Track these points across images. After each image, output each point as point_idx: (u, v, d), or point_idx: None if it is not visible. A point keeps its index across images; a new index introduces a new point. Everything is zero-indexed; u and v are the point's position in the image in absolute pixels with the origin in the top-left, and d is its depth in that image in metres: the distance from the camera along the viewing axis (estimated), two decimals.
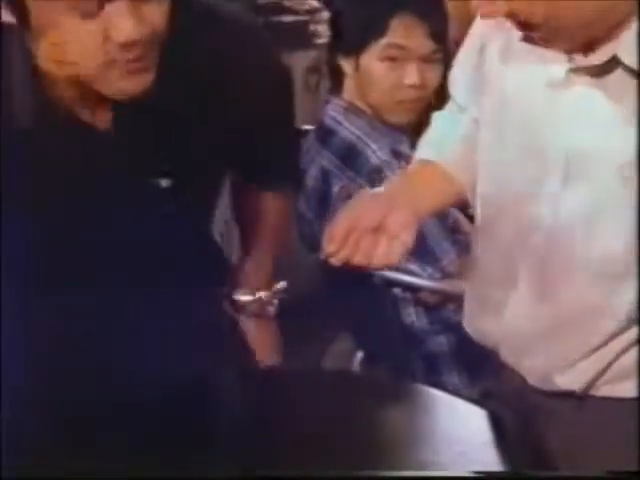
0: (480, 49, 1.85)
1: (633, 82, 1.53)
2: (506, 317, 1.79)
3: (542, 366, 1.77)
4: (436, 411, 1.98)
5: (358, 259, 1.74)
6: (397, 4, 2.71)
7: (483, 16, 1.55)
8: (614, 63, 1.54)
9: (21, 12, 1.64)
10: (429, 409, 2.01)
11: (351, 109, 2.76)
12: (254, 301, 1.96)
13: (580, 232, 1.65)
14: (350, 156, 2.66)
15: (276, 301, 2.06)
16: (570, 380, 1.74)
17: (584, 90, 1.61)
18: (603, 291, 1.68)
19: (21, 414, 1.80)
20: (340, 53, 2.75)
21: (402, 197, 1.83)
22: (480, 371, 2.04)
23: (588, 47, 1.57)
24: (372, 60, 2.68)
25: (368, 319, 2.70)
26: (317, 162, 2.75)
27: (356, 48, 2.69)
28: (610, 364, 1.71)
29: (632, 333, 1.67)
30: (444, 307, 2.65)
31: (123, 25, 1.58)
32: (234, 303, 2.04)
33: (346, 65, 2.73)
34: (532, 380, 1.79)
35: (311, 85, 3.02)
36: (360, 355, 2.70)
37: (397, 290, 2.63)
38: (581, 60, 1.59)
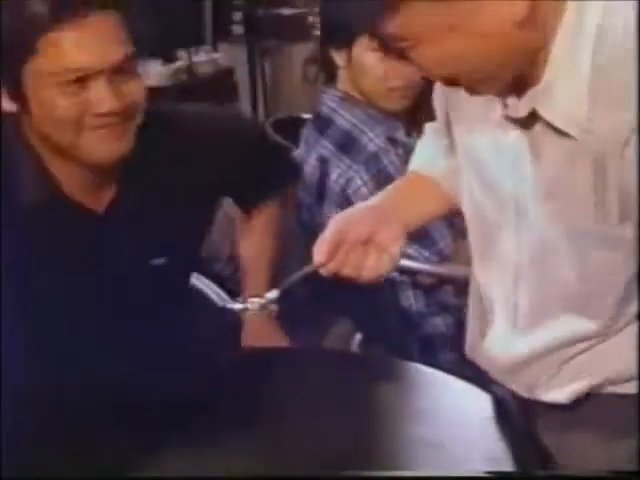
0: None
1: (554, 138, 1.52)
2: (485, 345, 1.80)
3: (524, 387, 1.77)
4: (432, 389, 2.02)
5: (347, 271, 1.77)
6: None
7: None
8: (536, 117, 1.53)
9: (20, 97, 1.84)
10: (426, 387, 2.05)
11: (347, 99, 2.77)
12: (244, 309, 1.98)
13: (538, 267, 1.67)
14: (347, 144, 2.69)
15: (272, 306, 2.07)
16: (554, 396, 1.74)
17: (516, 138, 1.60)
18: (569, 320, 1.69)
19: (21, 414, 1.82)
20: (332, 46, 2.76)
21: (390, 211, 1.85)
22: None
23: (519, 90, 1.55)
24: (363, 51, 2.69)
25: (367, 303, 2.69)
26: (315, 150, 2.77)
27: (346, 42, 2.69)
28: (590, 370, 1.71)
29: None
30: (441, 290, 2.67)
31: (102, 99, 1.80)
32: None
33: (338, 58, 2.74)
34: (521, 393, 1.79)
35: (310, 76, 3.03)
36: (359, 337, 2.73)
37: (395, 274, 2.61)
38: (511, 110, 1.58)
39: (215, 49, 4.81)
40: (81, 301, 2.06)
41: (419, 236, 2.57)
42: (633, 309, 1.62)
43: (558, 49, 1.49)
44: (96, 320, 2.08)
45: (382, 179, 2.58)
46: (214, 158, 2.15)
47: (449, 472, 1.70)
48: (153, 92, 4.42)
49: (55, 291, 2.02)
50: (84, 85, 1.80)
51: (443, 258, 2.66)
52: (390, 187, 1.96)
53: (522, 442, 1.81)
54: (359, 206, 1.90)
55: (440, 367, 2.05)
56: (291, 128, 3.16)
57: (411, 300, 2.71)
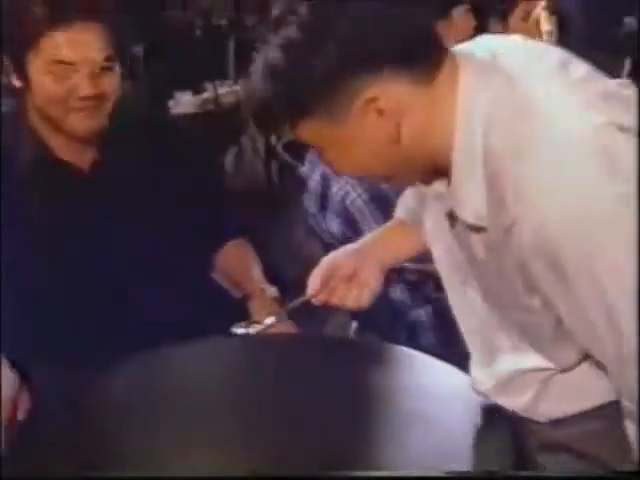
0: None
1: (473, 235, 1.53)
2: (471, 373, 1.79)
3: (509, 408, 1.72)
4: (416, 368, 2.00)
5: (334, 301, 1.86)
6: None
7: None
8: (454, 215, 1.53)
9: (24, 77, 2.03)
10: (410, 367, 2.03)
11: None
12: (246, 333, 1.98)
13: (485, 322, 1.68)
14: None
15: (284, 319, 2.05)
16: (539, 414, 1.70)
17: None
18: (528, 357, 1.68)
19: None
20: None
21: (371, 253, 1.91)
22: (453, 337, 2.07)
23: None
24: None
25: None
26: (318, 168, 2.75)
27: None
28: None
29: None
30: (423, 284, 2.68)
31: (83, 86, 1.99)
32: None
33: None
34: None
35: None
36: (355, 325, 2.75)
37: None
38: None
39: (236, 83, 4.79)
40: (71, 244, 2.11)
41: None
42: (573, 352, 1.60)
43: (456, 154, 1.48)
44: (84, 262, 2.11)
45: (375, 192, 2.61)
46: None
47: (434, 444, 1.69)
48: (185, 118, 4.46)
49: (51, 233, 2.09)
50: (70, 75, 1.99)
51: (426, 256, 2.65)
52: (374, 231, 2.00)
53: (499, 419, 1.75)
54: (346, 248, 1.93)
55: (423, 350, 2.04)
56: (298, 149, 3.19)
57: (397, 293, 2.72)
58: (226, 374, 2.02)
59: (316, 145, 1.52)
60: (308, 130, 1.48)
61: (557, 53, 1.54)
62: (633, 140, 1.40)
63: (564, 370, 1.63)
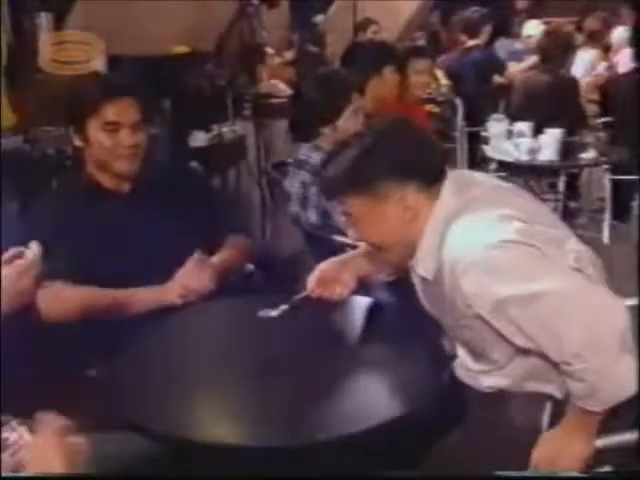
0: None
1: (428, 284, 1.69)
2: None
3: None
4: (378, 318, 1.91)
5: (325, 295, 1.91)
6: None
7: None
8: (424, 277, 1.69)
9: (84, 137, 2.12)
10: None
11: (316, 147, 2.70)
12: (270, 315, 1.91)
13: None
14: (319, 172, 2.62)
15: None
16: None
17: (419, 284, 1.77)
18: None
19: None
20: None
21: (350, 265, 1.95)
22: None
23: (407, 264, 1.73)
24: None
25: None
26: (297, 178, 2.70)
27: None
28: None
29: None
30: None
31: (129, 138, 2.11)
32: None
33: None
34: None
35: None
36: None
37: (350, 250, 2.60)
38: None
39: (234, 124, 4.76)
40: (113, 242, 2.11)
41: None
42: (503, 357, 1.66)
43: (425, 239, 1.65)
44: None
45: None
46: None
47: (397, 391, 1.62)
48: (198, 150, 4.40)
49: (100, 235, 2.11)
50: (117, 131, 2.10)
51: None
52: (353, 252, 2.03)
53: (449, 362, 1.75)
54: (332, 260, 1.98)
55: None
56: (281, 167, 3.14)
57: None
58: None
59: (353, 215, 1.68)
60: (357, 204, 1.65)
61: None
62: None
63: (500, 368, 1.68)
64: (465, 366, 1.76)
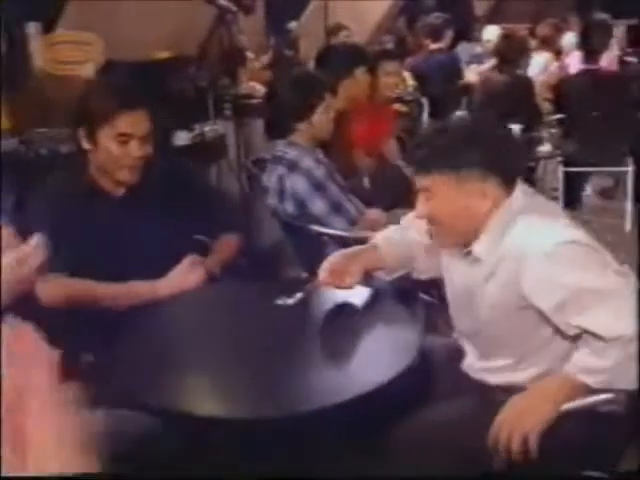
0: None
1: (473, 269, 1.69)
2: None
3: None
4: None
5: (335, 284, 1.90)
6: None
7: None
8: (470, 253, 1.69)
9: (94, 142, 2.04)
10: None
11: (292, 144, 2.70)
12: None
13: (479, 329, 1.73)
14: (294, 166, 2.63)
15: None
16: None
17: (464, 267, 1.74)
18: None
19: None
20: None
21: (358, 258, 1.94)
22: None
23: (462, 245, 1.71)
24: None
25: (310, 254, 2.61)
26: (274, 173, 2.70)
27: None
28: None
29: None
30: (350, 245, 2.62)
31: (135, 150, 2.03)
32: None
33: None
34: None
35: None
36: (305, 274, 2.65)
37: (325, 238, 2.62)
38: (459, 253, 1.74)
39: (215, 123, 4.74)
40: (110, 239, 2.06)
41: (340, 210, 2.63)
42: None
43: (490, 226, 1.65)
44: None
45: (313, 181, 2.61)
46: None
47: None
48: (181, 148, 4.37)
49: (99, 232, 2.06)
50: (127, 142, 2.02)
51: (353, 224, 2.65)
52: (362, 247, 2.04)
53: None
54: (342, 251, 1.98)
55: None
56: (261, 163, 3.14)
57: (331, 250, 2.65)
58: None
59: (432, 191, 1.66)
60: (440, 182, 1.64)
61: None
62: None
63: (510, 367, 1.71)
64: (471, 364, 1.80)
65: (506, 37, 5.27)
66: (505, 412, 1.57)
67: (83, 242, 2.02)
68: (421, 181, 1.68)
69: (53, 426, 0.86)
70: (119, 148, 2.02)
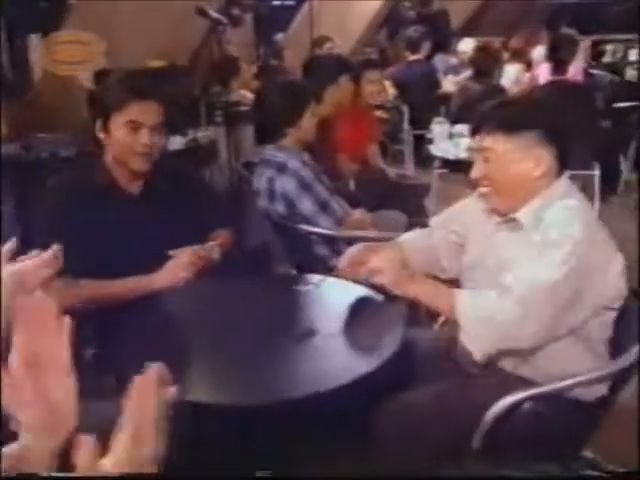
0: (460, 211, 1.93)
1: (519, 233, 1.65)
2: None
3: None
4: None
5: (351, 275, 1.87)
6: None
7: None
8: (516, 221, 1.67)
9: (107, 131, 2.03)
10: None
11: (281, 148, 2.68)
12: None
13: None
14: (282, 168, 2.62)
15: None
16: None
17: (503, 235, 1.71)
18: None
19: None
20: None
21: (376, 252, 1.83)
22: None
23: (509, 212, 1.69)
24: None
25: (298, 252, 2.67)
26: (265, 175, 2.68)
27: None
28: None
29: None
30: (336, 243, 2.64)
31: (147, 137, 2.00)
32: None
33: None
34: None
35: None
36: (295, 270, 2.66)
37: (313, 237, 2.63)
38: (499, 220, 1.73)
39: (207, 129, 4.74)
40: (125, 235, 2.03)
41: (327, 210, 2.61)
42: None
43: (538, 198, 1.65)
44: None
45: (300, 182, 2.60)
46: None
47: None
48: (175, 153, 4.35)
49: (114, 228, 2.03)
50: (138, 130, 2.00)
51: (340, 223, 2.65)
52: (383, 244, 1.97)
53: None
54: (364, 245, 1.91)
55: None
56: (250, 166, 3.12)
57: (320, 250, 2.68)
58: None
59: (491, 151, 1.65)
60: (501, 142, 1.63)
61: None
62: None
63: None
64: None
65: (481, 49, 5.31)
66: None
67: (99, 239, 1.98)
68: (482, 141, 1.68)
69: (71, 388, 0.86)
70: (129, 135, 2.00)
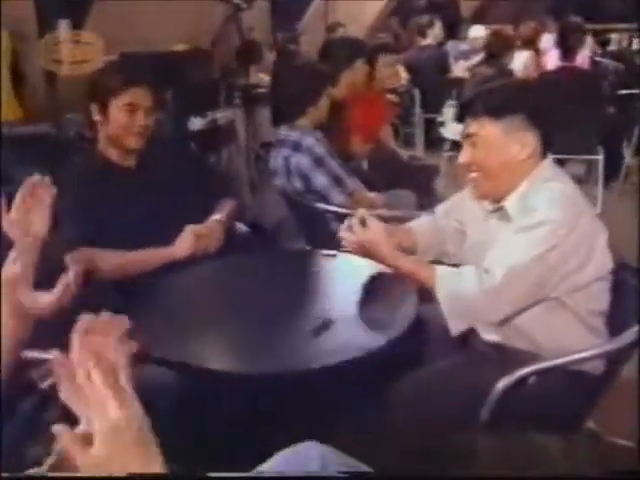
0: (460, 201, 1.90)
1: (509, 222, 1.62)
2: None
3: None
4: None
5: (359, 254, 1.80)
6: None
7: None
8: (504, 210, 1.65)
9: (105, 114, 2.07)
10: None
11: (292, 127, 2.68)
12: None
13: None
14: (297, 146, 2.60)
15: None
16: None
17: (495, 224, 1.69)
18: None
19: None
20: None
21: (392, 234, 1.81)
22: None
23: (498, 199, 1.67)
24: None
25: (314, 229, 2.63)
26: (280, 155, 2.66)
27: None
28: None
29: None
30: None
31: (142, 118, 2.08)
32: None
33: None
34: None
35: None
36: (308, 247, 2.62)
37: (328, 214, 2.59)
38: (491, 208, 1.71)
39: (226, 110, 4.71)
40: (124, 211, 2.04)
41: (340, 184, 2.60)
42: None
43: (524, 184, 1.62)
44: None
45: (316, 160, 2.58)
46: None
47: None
48: (195, 133, 4.30)
49: (112, 205, 2.05)
50: (135, 112, 2.07)
51: (350, 195, 2.64)
52: (398, 225, 1.96)
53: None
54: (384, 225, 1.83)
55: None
56: (267, 147, 3.08)
57: (336, 227, 2.62)
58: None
59: (479, 137, 1.63)
60: (489, 127, 1.61)
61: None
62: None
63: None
64: None
65: (495, 34, 5.24)
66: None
67: (103, 212, 2.02)
68: (469, 127, 1.66)
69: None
70: (127, 116, 2.08)
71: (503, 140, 1.61)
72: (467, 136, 1.67)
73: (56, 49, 3.61)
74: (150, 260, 2.01)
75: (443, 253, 1.93)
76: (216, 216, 2.18)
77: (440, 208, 1.99)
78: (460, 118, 1.70)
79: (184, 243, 2.03)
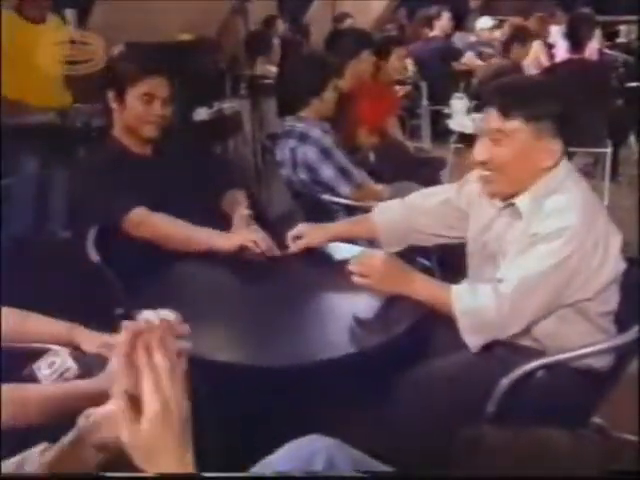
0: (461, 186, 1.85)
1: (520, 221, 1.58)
2: None
3: None
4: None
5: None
6: None
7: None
8: (516, 208, 1.59)
9: (121, 102, 2.10)
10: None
11: (301, 118, 2.64)
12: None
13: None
14: (304, 137, 2.58)
15: None
16: None
17: (505, 219, 1.64)
18: None
19: None
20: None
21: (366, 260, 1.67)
22: None
23: (508, 197, 1.61)
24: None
25: (320, 221, 2.58)
26: (287, 146, 2.63)
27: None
28: None
29: None
30: (356, 212, 2.53)
31: (159, 108, 2.08)
32: None
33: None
34: None
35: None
36: None
37: (335, 206, 2.59)
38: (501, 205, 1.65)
39: (232, 101, 4.69)
40: (141, 194, 2.04)
41: (346, 175, 2.59)
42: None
43: (537, 186, 1.57)
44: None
45: (323, 151, 2.56)
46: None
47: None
48: (201, 123, 4.30)
49: (130, 191, 2.04)
50: (152, 102, 2.08)
51: (357, 187, 2.62)
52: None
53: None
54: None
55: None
56: (273, 138, 3.07)
57: (339, 218, 2.61)
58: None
59: (499, 133, 1.53)
60: (512, 124, 1.52)
61: None
62: None
63: None
64: None
65: (512, 26, 5.22)
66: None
67: (118, 199, 2.03)
68: (496, 123, 1.54)
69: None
70: (143, 106, 2.08)
71: (532, 144, 1.53)
72: (490, 132, 1.56)
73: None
74: (199, 240, 1.98)
75: (445, 226, 1.87)
76: (243, 211, 2.16)
77: (441, 189, 1.94)
78: (477, 109, 1.66)
79: (233, 239, 1.99)
